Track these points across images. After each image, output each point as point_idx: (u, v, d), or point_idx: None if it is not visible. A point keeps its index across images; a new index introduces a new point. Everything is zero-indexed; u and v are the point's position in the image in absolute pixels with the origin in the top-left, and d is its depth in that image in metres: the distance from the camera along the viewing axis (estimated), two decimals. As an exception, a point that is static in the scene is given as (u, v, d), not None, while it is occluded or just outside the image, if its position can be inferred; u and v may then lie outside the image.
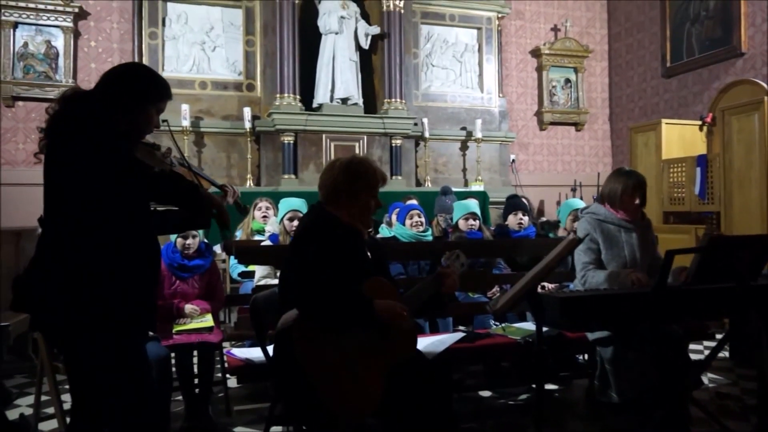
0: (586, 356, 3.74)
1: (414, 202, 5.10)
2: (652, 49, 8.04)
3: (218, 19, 7.01)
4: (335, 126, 6.84)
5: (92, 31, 6.70)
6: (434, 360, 2.66)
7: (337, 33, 6.87)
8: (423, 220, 4.22)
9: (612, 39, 8.90)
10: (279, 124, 6.61)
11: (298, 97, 6.74)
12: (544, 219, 7.13)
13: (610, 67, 8.95)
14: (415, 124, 7.24)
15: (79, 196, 1.79)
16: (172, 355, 3.10)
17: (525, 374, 3.50)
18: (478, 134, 7.44)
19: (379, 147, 7.02)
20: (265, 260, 3.64)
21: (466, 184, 7.60)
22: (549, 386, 3.71)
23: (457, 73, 8.00)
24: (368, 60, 7.33)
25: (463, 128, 7.77)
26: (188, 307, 3.31)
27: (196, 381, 3.22)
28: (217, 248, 4.50)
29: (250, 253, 3.46)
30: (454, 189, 6.14)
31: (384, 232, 4.56)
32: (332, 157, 6.74)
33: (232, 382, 3.49)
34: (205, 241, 3.57)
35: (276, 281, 3.56)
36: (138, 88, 1.93)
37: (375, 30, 7.07)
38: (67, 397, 3.25)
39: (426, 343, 2.87)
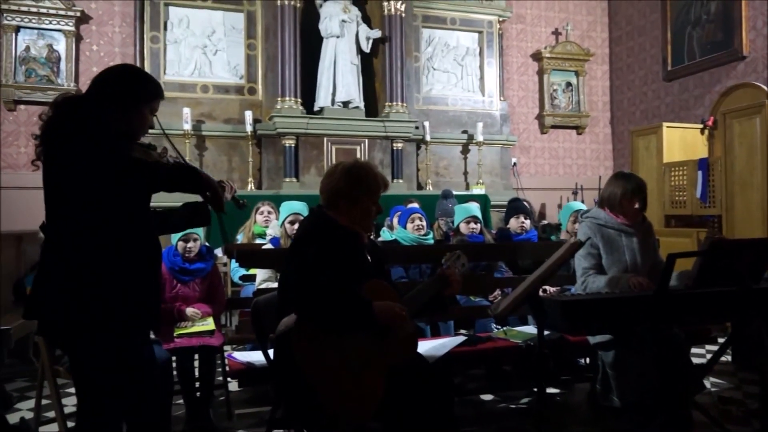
0: (587, 360, 3.74)
1: (415, 205, 5.10)
2: (653, 53, 8.05)
3: (220, 23, 7.03)
4: (336, 129, 6.84)
5: (94, 35, 6.72)
6: (435, 363, 2.65)
7: (338, 37, 6.88)
8: (424, 223, 4.22)
9: (613, 42, 8.91)
10: (280, 128, 6.62)
11: (299, 100, 6.76)
12: (545, 222, 7.13)
13: (611, 70, 8.95)
14: (417, 128, 7.25)
15: (78, 197, 1.79)
16: (173, 358, 3.10)
17: (526, 378, 3.50)
18: (480, 137, 7.44)
19: (380, 150, 7.02)
20: (266, 264, 3.63)
21: (467, 188, 7.60)
22: (550, 390, 3.70)
23: (458, 77, 8.01)
24: (369, 63, 7.34)
25: (465, 131, 7.78)
26: (189, 311, 3.31)
27: (197, 384, 3.22)
28: (219, 251, 4.50)
29: (251, 256, 3.46)
30: (455, 192, 6.14)
31: (385, 235, 4.56)
32: (334, 160, 6.75)
33: (233, 385, 3.47)
34: (207, 244, 3.58)
35: (277, 285, 3.56)
36: (130, 89, 1.94)
37: (376, 33, 7.09)
38: (67, 401, 3.25)
39: (427, 346, 2.86)
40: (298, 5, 6.86)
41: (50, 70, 6.46)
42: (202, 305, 3.37)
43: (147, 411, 1.92)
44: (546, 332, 2.62)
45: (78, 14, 6.50)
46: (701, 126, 6.57)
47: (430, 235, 4.29)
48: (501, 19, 8.08)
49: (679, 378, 2.71)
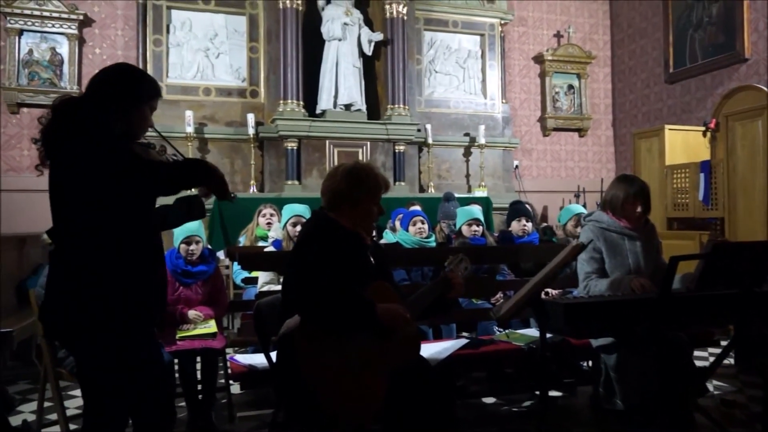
0: (590, 363, 3.72)
1: (417, 208, 5.10)
2: (655, 55, 8.05)
3: (222, 26, 7.04)
4: (338, 132, 6.85)
5: (97, 39, 6.74)
6: (437, 366, 2.65)
7: (340, 39, 6.89)
8: (426, 226, 4.22)
9: (615, 45, 8.91)
10: (282, 130, 6.63)
11: (301, 103, 6.76)
12: (545, 225, 7.13)
13: (613, 73, 8.95)
14: (419, 130, 7.25)
15: (78, 197, 1.80)
16: (176, 361, 3.10)
17: (529, 381, 3.49)
18: (482, 140, 7.44)
19: (382, 153, 7.03)
20: (268, 266, 3.63)
21: (469, 190, 7.60)
22: (553, 393, 3.69)
23: (460, 79, 8.02)
24: (371, 66, 7.35)
25: (467, 134, 7.78)
26: (192, 313, 3.31)
27: (199, 387, 3.22)
28: (221, 254, 4.51)
29: (253, 259, 3.46)
30: (457, 195, 6.13)
31: (388, 237, 4.56)
32: (336, 163, 6.75)
33: (235, 388, 3.47)
34: (209, 247, 3.58)
35: (279, 287, 3.56)
36: (129, 89, 1.93)
37: (378, 36, 7.10)
38: (70, 403, 3.26)
39: (429, 349, 2.86)
40: (300, 8, 6.88)
41: (53, 73, 6.48)
42: (204, 308, 3.38)
43: (150, 411, 1.92)
44: (548, 335, 2.62)
45: (81, 17, 6.52)
46: (703, 128, 6.57)
47: (432, 238, 4.29)
48: (503, 21, 8.08)
49: (682, 381, 2.71)
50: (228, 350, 3.56)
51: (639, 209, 2.94)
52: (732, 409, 3.37)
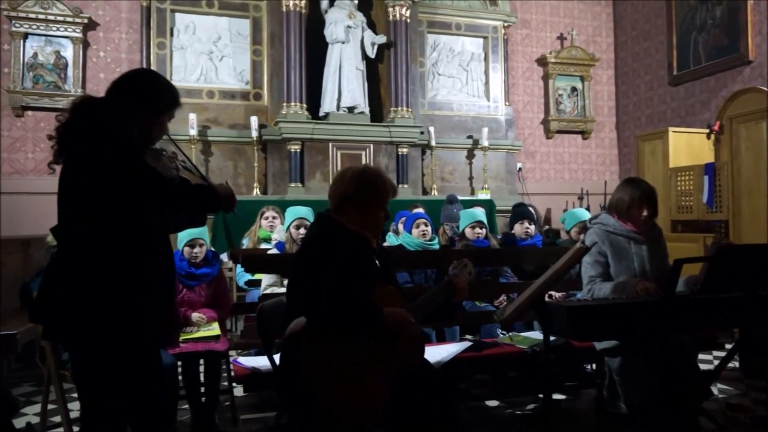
0: (594, 366, 3.72)
1: (420, 210, 5.10)
2: (658, 58, 8.04)
3: (226, 29, 7.06)
4: (342, 134, 6.85)
5: (101, 42, 6.76)
6: (441, 369, 2.65)
7: (343, 42, 6.90)
8: (429, 228, 4.22)
9: (618, 47, 8.90)
10: (286, 133, 6.63)
11: (304, 105, 6.77)
12: (548, 228, 7.12)
13: (616, 75, 8.94)
14: (422, 133, 7.25)
15: (81, 195, 1.80)
16: (179, 363, 3.10)
17: (532, 384, 3.48)
18: (485, 142, 7.44)
19: (385, 155, 7.03)
20: (271, 269, 3.64)
21: (472, 193, 7.59)
22: (556, 396, 3.68)
23: (463, 82, 8.01)
24: (375, 69, 7.36)
25: (470, 137, 7.77)
26: (195, 316, 3.32)
27: (202, 389, 3.22)
28: (224, 256, 4.51)
29: (256, 261, 3.46)
30: (460, 197, 6.13)
31: (391, 240, 4.56)
32: (339, 165, 6.76)
33: (238, 390, 3.48)
34: (212, 249, 3.59)
35: (282, 290, 3.57)
36: (153, 97, 1.94)
37: (381, 39, 7.10)
38: (73, 406, 3.26)
39: (433, 352, 2.85)
40: (304, 11, 6.89)
41: (57, 76, 6.50)
42: (207, 310, 3.38)
43: (149, 412, 1.92)
44: (552, 338, 2.61)
45: (85, 21, 6.55)
46: (707, 131, 6.54)
47: (435, 241, 4.29)
48: (506, 24, 8.08)
49: (686, 384, 2.70)
50: (231, 352, 3.56)
51: (645, 213, 2.92)
52: (737, 412, 3.35)
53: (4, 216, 5.69)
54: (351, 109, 6.95)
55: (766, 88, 5.76)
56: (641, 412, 2.75)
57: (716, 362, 4.28)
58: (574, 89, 8.66)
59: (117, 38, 6.82)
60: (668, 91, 7.87)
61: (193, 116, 6.41)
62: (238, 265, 4.32)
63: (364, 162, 6.82)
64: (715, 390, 3.74)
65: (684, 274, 2.57)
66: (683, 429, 2.66)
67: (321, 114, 6.94)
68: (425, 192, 7.37)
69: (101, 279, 1.78)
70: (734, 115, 5.81)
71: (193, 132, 6.38)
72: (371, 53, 7.08)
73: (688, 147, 6.64)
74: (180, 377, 3.18)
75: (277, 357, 2.30)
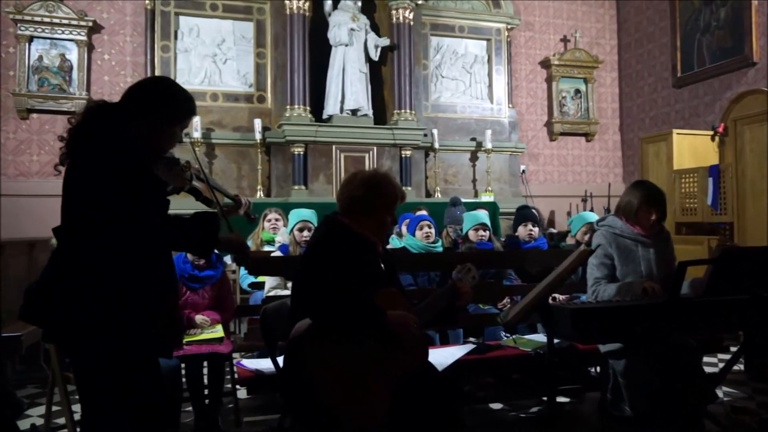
0: (598, 368, 3.70)
1: (424, 213, 5.09)
2: (662, 60, 8.02)
3: (229, 32, 7.08)
4: (345, 137, 6.86)
5: (106, 45, 6.79)
6: (444, 372, 2.64)
7: (347, 45, 6.91)
8: (433, 231, 4.22)
9: (622, 49, 8.89)
10: (289, 136, 6.65)
11: (308, 108, 6.78)
12: (552, 230, 7.10)
13: (620, 77, 8.93)
14: (425, 135, 7.25)
15: (82, 195, 1.81)
16: (182, 365, 3.11)
17: (536, 386, 3.47)
18: (488, 145, 7.44)
19: (388, 158, 7.03)
20: (274, 271, 3.64)
21: (476, 195, 7.58)
22: (560, 399, 3.67)
23: (466, 84, 8.02)
24: (378, 71, 7.37)
25: (473, 139, 7.77)
26: (198, 318, 3.32)
27: (206, 392, 3.23)
28: (228, 259, 4.52)
29: (260, 263, 3.46)
30: (464, 200, 6.13)
31: (394, 243, 4.56)
32: (342, 168, 6.77)
33: (241, 392, 3.48)
34: (216, 252, 3.59)
35: (286, 292, 3.57)
36: (164, 106, 1.95)
37: (385, 42, 7.11)
38: (78, 408, 3.26)
39: (436, 354, 2.85)
40: (307, 14, 6.91)
41: (62, 79, 6.53)
42: (211, 312, 3.39)
43: (149, 413, 1.92)
44: (556, 340, 2.61)
45: (90, 24, 6.57)
46: (712, 133, 6.54)
47: (439, 243, 4.28)
48: (509, 26, 8.08)
49: (691, 387, 2.68)
50: (235, 355, 3.56)
51: (654, 216, 2.89)
52: (742, 415, 3.34)
53: (8, 218, 5.71)
54: (354, 112, 6.96)
55: (770, 90, 5.75)
56: (646, 415, 2.74)
57: (721, 365, 4.26)
58: (577, 91, 8.66)
59: (121, 41, 6.84)
60: (672, 93, 7.85)
61: (196, 119, 6.41)
62: (242, 268, 4.32)
63: (367, 165, 6.83)
64: (720, 393, 3.72)
65: (688, 277, 2.56)
66: (688, 432, 2.65)
67: (324, 116, 6.95)
68: (428, 194, 7.37)
69: (101, 279, 1.79)
70: (739, 117, 5.80)
71: (197, 134, 6.40)
72: (374, 56, 7.09)
73: (692, 149, 6.63)
74: (183, 379, 3.18)
75: (280, 359, 2.30)
